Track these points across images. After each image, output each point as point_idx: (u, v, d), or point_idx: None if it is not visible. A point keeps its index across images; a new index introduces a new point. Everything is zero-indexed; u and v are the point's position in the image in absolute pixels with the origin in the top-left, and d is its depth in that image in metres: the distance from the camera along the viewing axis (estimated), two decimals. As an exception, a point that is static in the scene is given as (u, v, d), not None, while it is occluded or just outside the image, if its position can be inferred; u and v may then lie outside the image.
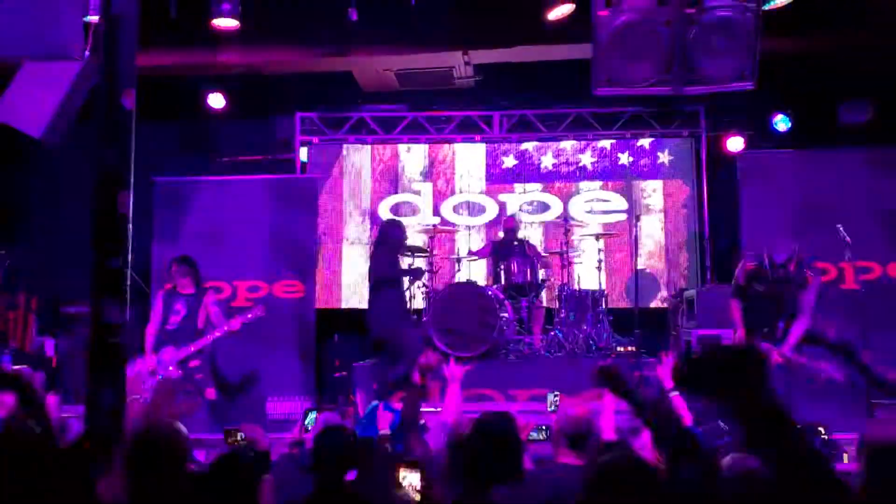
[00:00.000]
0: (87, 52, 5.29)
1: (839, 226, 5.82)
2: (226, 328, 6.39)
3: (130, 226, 3.78)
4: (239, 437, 3.93)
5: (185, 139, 9.56)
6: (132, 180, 3.77)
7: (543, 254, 8.66)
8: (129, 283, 3.77)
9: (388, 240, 7.11)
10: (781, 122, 8.86)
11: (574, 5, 6.55)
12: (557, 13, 6.71)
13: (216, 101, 9.33)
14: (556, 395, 4.76)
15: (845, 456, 5.07)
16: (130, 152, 3.80)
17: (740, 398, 1.30)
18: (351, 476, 2.99)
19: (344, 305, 9.62)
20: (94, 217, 3.67)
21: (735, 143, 9.10)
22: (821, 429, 5.18)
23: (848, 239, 5.71)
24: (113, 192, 3.68)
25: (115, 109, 3.72)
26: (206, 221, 8.33)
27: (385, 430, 3.92)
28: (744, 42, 4.67)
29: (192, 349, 6.32)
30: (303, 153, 9.69)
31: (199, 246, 8.28)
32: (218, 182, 8.61)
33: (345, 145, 9.82)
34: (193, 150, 9.55)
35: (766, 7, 5.15)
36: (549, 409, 4.72)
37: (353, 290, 9.64)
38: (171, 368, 6.27)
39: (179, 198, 8.50)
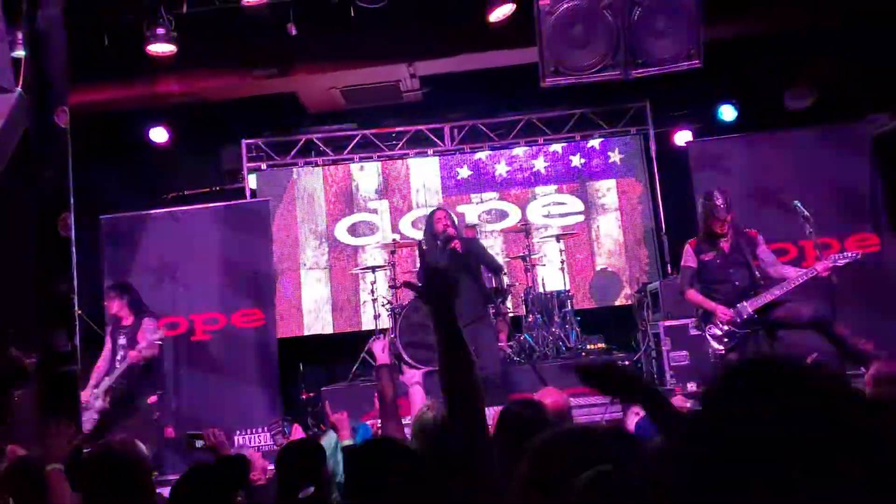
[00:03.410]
0: (18, 88, 5.12)
1: (796, 202, 5.80)
2: (129, 361, 6.15)
3: (74, 249, 3.60)
4: (198, 444, 3.35)
5: (130, 177, 9.28)
6: (72, 201, 3.59)
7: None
8: (77, 309, 3.58)
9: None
10: (727, 112, 8.93)
11: (515, 5, 6.51)
12: (499, 14, 6.67)
13: (159, 135, 9.14)
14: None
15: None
16: (68, 172, 3.62)
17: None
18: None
19: (306, 332, 9.40)
20: (35, 240, 3.47)
21: (683, 137, 9.15)
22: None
23: (807, 213, 5.69)
24: (53, 215, 3.49)
25: (49, 128, 3.54)
26: (156, 256, 8.09)
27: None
28: (686, 21, 4.68)
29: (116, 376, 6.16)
30: (252, 181, 9.47)
31: (151, 281, 8.04)
32: (165, 214, 8.37)
33: (295, 169, 9.63)
34: (139, 187, 9.28)
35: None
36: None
37: (315, 317, 9.43)
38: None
39: (127, 235, 8.26)
